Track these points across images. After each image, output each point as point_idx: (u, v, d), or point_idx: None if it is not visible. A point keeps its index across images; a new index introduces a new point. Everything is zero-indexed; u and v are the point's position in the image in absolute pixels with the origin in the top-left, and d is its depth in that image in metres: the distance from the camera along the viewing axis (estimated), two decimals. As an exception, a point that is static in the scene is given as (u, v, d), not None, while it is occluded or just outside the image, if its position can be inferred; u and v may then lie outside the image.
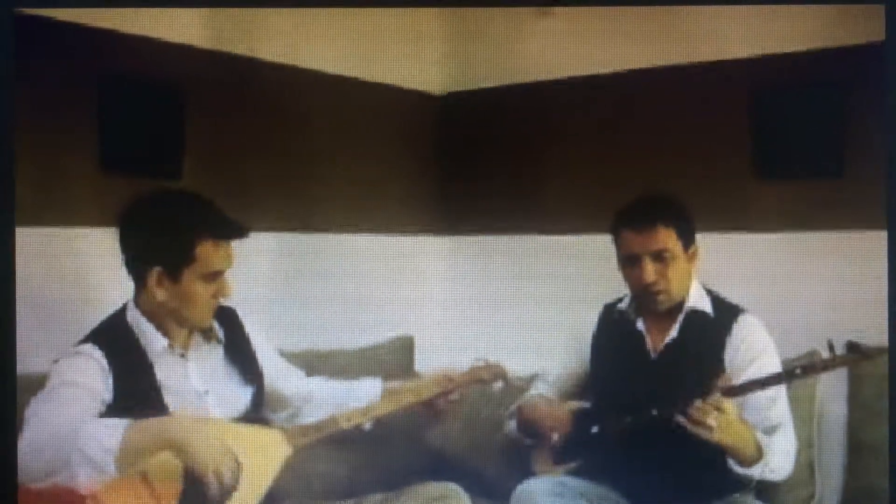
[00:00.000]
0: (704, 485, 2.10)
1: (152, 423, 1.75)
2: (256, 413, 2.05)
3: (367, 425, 2.11)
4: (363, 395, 2.17)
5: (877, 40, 2.13)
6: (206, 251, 1.91)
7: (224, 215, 1.95)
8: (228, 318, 2.07)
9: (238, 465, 1.78)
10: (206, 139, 2.46)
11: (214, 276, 1.93)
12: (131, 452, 1.70)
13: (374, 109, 2.75)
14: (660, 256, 2.12)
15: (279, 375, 2.15)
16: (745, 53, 2.47)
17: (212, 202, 1.96)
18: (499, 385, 2.26)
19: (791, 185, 2.47)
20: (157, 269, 1.89)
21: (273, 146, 2.59)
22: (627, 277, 2.18)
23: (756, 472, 2.04)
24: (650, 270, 2.11)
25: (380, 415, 2.08)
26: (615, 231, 2.17)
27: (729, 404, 1.97)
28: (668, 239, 2.11)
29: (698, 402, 1.98)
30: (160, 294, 1.90)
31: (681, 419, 1.99)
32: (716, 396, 1.97)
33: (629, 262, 2.15)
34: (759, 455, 2.03)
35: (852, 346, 2.04)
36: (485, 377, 2.24)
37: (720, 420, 1.96)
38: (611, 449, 2.16)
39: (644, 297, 2.16)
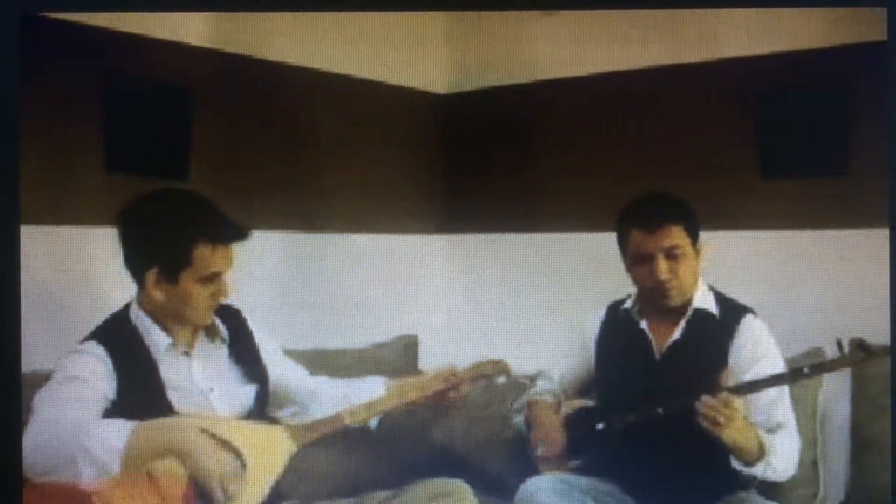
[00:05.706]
0: (708, 482, 2.10)
1: (158, 427, 1.75)
2: (261, 411, 2.05)
3: (373, 423, 2.11)
4: (367, 394, 2.14)
5: (880, 39, 2.14)
6: (203, 254, 1.89)
7: (223, 217, 1.93)
8: (232, 317, 2.06)
9: (243, 466, 1.77)
10: (212, 140, 2.46)
11: (212, 277, 1.91)
12: (137, 455, 1.70)
13: (378, 110, 2.75)
14: (672, 254, 2.10)
15: (284, 371, 2.14)
16: (749, 53, 2.47)
17: (210, 203, 1.94)
18: (502, 380, 2.26)
19: (795, 183, 2.47)
20: (154, 271, 1.88)
21: (279, 146, 2.59)
22: (637, 276, 2.16)
23: (758, 471, 2.04)
24: (664, 268, 2.09)
25: (385, 410, 2.07)
26: (624, 231, 2.16)
27: (738, 401, 1.97)
28: (678, 236, 2.10)
29: (707, 398, 1.97)
30: (158, 295, 1.89)
31: (690, 414, 1.99)
32: (724, 393, 1.97)
33: (640, 261, 2.13)
34: (761, 454, 2.03)
35: (860, 345, 2.02)
36: (488, 372, 2.23)
37: (728, 417, 1.96)
38: (616, 446, 2.16)
39: (654, 294, 2.14)
